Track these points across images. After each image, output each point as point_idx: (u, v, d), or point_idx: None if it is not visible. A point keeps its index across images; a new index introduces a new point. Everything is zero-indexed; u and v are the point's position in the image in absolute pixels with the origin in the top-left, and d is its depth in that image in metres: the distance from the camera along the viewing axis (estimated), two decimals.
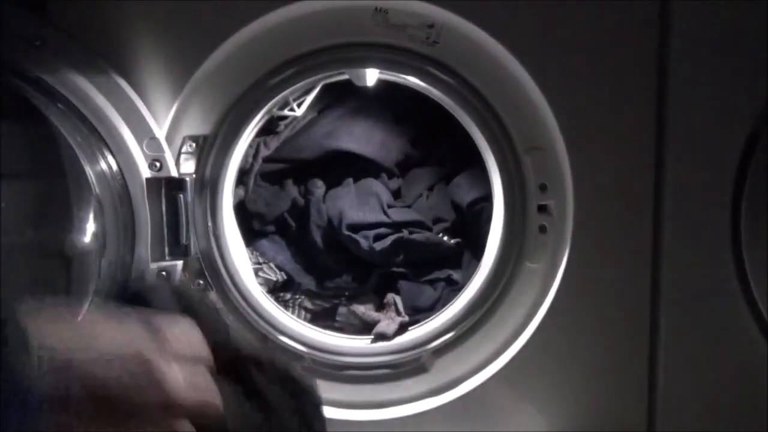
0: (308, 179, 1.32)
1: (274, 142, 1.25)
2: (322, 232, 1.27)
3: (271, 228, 1.29)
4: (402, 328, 1.07)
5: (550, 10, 0.91)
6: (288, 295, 1.24)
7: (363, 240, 1.23)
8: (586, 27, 0.92)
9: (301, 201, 1.30)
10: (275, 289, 1.23)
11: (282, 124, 1.26)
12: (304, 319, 1.16)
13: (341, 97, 1.32)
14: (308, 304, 1.24)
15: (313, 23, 0.94)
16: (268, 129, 1.24)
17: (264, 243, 1.27)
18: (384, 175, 1.34)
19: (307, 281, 1.25)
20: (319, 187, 1.31)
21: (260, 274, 1.21)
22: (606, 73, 0.93)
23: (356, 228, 1.24)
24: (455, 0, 0.91)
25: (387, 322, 1.09)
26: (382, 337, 1.05)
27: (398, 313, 1.16)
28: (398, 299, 1.20)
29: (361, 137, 1.32)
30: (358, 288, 1.26)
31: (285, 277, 1.25)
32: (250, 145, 1.17)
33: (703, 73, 0.93)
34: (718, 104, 0.93)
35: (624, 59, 0.93)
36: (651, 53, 0.93)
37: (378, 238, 1.24)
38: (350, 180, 1.31)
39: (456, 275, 1.23)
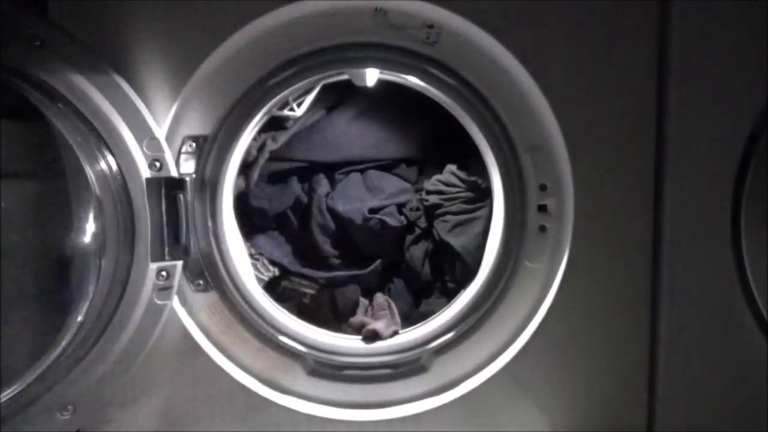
0: (312, 175, 1.32)
1: (282, 137, 1.25)
2: (323, 230, 1.28)
3: (271, 224, 1.30)
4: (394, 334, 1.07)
5: (550, 10, 0.91)
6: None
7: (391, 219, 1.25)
8: (586, 27, 0.92)
9: (304, 198, 1.30)
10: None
11: (291, 119, 1.26)
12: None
13: (351, 95, 1.32)
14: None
15: (313, 23, 0.94)
16: (275, 125, 1.25)
17: (261, 239, 1.27)
18: (403, 165, 1.34)
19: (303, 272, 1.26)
20: (322, 184, 1.31)
21: (253, 272, 1.21)
22: (606, 73, 0.93)
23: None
24: (455, 0, 0.91)
25: (384, 323, 1.09)
26: (375, 335, 1.05)
27: (392, 316, 1.17)
28: (393, 304, 1.20)
29: (378, 140, 1.32)
30: (355, 275, 1.26)
31: (277, 274, 1.25)
32: (254, 139, 1.17)
33: (703, 73, 0.93)
34: (718, 104, 0.93)
35: (624, 59, 0.93)
36: (651, 53, 0.93)
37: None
38: (357, 174, 1.32)
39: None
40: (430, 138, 1.35)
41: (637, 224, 0.96)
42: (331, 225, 1.28)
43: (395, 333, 1.06)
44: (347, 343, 1.05)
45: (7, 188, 0.90)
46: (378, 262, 1.27)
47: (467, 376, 1.02)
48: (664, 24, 0.92)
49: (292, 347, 1.03)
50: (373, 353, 1.04)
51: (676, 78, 0.93)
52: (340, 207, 1.27)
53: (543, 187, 0.98)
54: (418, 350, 1.03)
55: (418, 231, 1.28)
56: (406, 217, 1.29)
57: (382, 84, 1.08)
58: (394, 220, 1.26)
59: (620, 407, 1.00)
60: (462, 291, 1.06)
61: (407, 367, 1.03)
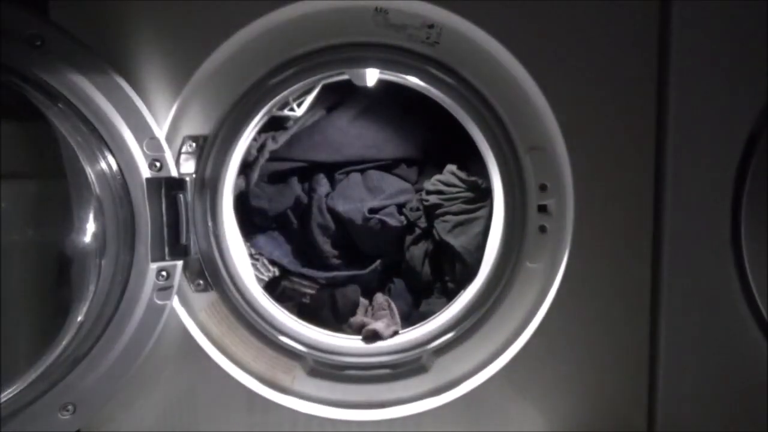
0: (312, 176, 1.32)
1: (282, 137, 1.25)
2: (323, 230, 1.28)
3: (271, 224, 1.30)
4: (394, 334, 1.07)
5: (550, 10, 0.91)
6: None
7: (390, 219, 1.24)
8: (586, 27, 0.92)
9: (304, 198, 1.30)
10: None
11: (291, 119, 1.26)
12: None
13: (351, 95, 1.32)
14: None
15: (313, 23, 0.94)
16: (275, 125, 1.25)
17: (261, 239, 1.27)
18: (403, 165, 1.34)
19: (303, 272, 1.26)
20: (322, 185, 1.31)
21: (253, 271, 1.21)
22: (606, 73, 0.93)
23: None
24: (455, 0, 0.91)
25: (384, 323, 1.09)
26: (375, 335, 1.05)
27: (392, 316, 1.16)
28: (393, 304, 1.20)
29: (378, 140, 1.32)
30: (355, 275, 1.26)
31: (277, 274, 1.25)
32: (255, 139, 1.17)
33: (703, 73, 0.93)
34: (718, 104, 0.93)
35: (624, 59, 0.93)
36: (651, 53, 0.93)
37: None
38: (357, 174, 1.32)
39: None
40: (430, 138, 1.35)
41: (637, 224, 0.96)
42: (331, 225, 1.28)
43: (395, 333, 1.06)
44: (347, 343, 1.05)
45: (7, 188, 0.90)
46: (378, 262, 1.28)
47: (467, 376, 1.02)
48: (664, 24, 0.92)
49: (292, 347, 1.03)
50: (373, 353, 1.04)
51: (676, 78, 0.93)
52: (340, 207, 1.27)
53: (543, 187, 0.98)
54: (418, 350, 1.03)
55: (418, 231, 1.28)
56: (406, 217, 1.29)
57: (382, 84, 1.08)
58: (394, 220, 1.26)
59: (620, 407, 1.00)
60: (462, 291, 1.06)
61: (407, 367, 1.03)
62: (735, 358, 0.98)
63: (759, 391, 0.97)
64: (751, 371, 0.97)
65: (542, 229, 0.99)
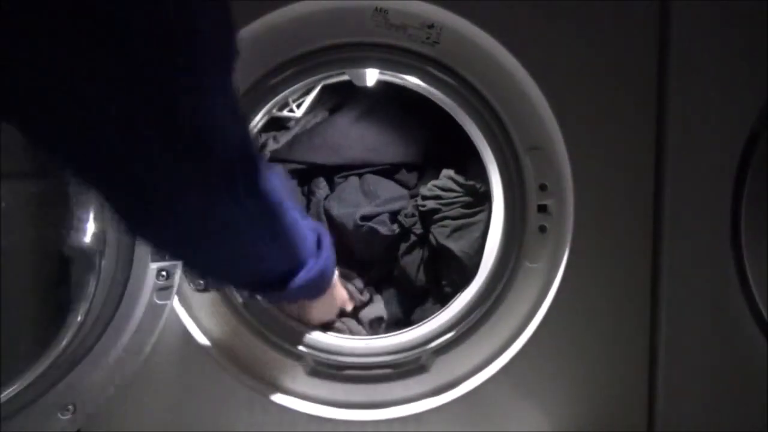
0: (312, 178, 1.32)
1: (284, 137, 1.24)
2: None
3: None
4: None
5: (550, 10, 0.92)
6: None
7: (382, 227, 1.23)
8: (585, 27, 0.92)
9: (303, 201, 1.29)
10: None
11: (293, 120, 1.25)
12: None
13: (354, 96, 1.31)
14: None
15: (313, 23, 0.94)
16: (275, 125, 1.24)
17: None
18: (403, 170, 1.33)
19: None
20: (321, 187, 1.30)
21: None
22: (606, 73, 0.93)
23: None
24: (455, 0, 0.91)
25: (377, 306, 1.09)
26: (380, 320, 1.05)
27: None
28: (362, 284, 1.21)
29: (378, 143, 1.31)
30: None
31: None
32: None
33: (703, 73, 0.93)
34: (718, 104, 0.93)
35: (624, 59, 0.93)
36: (651, 53, 0.93)
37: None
38: (355, 178, 1.32)
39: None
40: (430, 141, 1.34)
41: (637, 224, 0.96)
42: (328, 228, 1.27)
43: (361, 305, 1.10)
44: (347, 343, 1.05)
45: (7, 188, 0.90)
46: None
47: (467, 376, 1.02)
48: (664, 24, 0.92)
49: (292, 347, 1.02)
50: (373, 353, 1.04)
51: (676, 78, 0.93)
52: (335, 211, 1.25)
53: (543, 187, 0.98)
54: (418, 350, 1.03)
55: (413, 238, 1.25)
56: (401, 224, 1.25)
57: (384, 86, 1.08)
58: (385, 229, 1.23)
59: (620, 407, 1.00)
60: (461, 292, 1.06)
61: (407, 367, 1.03)
62: (735, 357, 0.98)
63: (759, 391, 0.97)
64: (751, 371, 0.98)
65: (542, 229, 0.99)
